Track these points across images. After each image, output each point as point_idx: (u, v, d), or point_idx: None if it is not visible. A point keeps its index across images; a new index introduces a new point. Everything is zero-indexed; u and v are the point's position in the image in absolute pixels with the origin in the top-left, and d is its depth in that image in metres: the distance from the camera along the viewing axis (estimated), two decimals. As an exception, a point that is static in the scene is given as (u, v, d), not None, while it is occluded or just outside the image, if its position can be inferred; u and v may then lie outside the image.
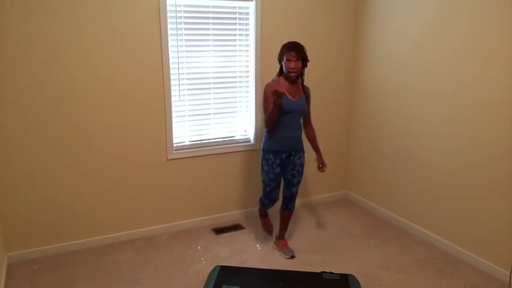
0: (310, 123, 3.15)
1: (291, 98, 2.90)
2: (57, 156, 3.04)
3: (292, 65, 2.84)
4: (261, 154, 3.08)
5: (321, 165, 3.15)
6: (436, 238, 3.34)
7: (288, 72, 2.87)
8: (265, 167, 3.05)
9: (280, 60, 2.94)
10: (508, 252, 2.80)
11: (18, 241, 3.07)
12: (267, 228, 3.46)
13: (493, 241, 2.91)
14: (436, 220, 3.33)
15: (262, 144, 3.07)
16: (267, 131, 3.02)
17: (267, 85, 2.93)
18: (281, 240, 3.27)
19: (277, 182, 3.10)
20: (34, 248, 3.12)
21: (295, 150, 3.05)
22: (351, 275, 2.84)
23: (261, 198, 3.28)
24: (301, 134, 3.09)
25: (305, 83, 3.03)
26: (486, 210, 2.93)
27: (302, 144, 3.09)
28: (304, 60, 2.91)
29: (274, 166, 3.02)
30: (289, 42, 2.91)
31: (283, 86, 2.88)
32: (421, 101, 3.34)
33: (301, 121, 3.08)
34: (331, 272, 2.87)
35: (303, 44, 2.92)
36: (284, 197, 3.20)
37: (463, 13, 2.94)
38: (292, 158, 3.05)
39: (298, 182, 3.13)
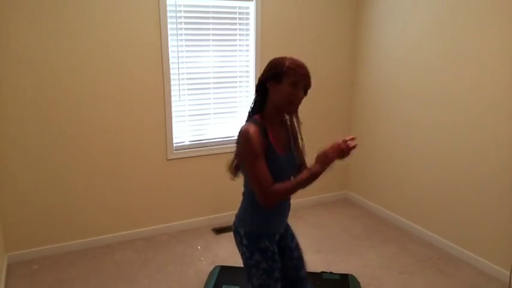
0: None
1: (279, 151, 1.75)
2: (57, 156, 3.04)
3: (301, 94, 1.70)
4: (245, 244, 1.82)
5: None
6: (436, 238, 3.33)
7: (292, 104, 1.70)
8: (263, 265, 1.80)
9: (268, 80, 1.71)
10: (508, 252, 2.80)
11: (18, 241, 3.07)
12: None
13: (493, 241, 2.91)
14: (436, 220, 3.33)
15: (243, 227, 1.82)
16: (251, 205, 1.80)
17: (247, 131, 1.65)
18: None
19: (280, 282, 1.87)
20: (34, 248, 3.12)
21: (285, 227, 1.98)
22: (350, 275, 2.84)
23: None
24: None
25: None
26: (486, 211, 2.93)
27: None
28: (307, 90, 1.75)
29: (276, 258, 1.84)
30: (294, 59, 1.71)
31: (270, 131, 1.73)
32: (421, 102, 3.34)
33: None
34: (331, 272, 2.87)
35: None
36: None
37: (463, 14, 2.94)
38: (285, 242, 1.95)
39: (306, 272, 2.01)
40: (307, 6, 3.66)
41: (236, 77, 3.58)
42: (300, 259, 1.98)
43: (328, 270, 2.92)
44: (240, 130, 1.69)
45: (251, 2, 3.43)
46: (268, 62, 1.75)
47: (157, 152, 3.37)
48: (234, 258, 3.14)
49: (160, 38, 3.16)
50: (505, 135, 2.75)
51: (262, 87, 1.75)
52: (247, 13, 3.48)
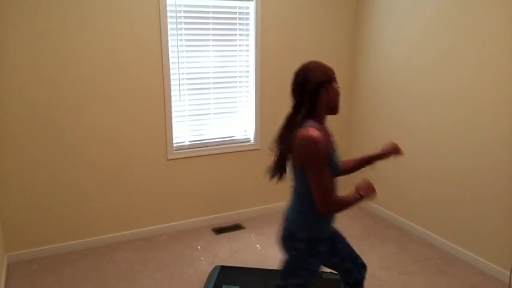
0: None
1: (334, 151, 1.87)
2: (57, 156, 3.04)
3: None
4: (302, 248, 1.83)
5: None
6: (436, 238, 3.33)
7: (337, 104, 1.83)
8: (314, 267, 1.88)
9: (326, 84, 1.77)
10: (508, 252, 2.80)
11: (18, 241, 3.07)
12: None
13: (493, 241, 2.91)
14: (436, 220, 3.33)
15: (301, 231, 1.84)
16: (311, 208, 1.77)
17: (315, 136, 1.67)
18: None
19: None
20: (34, 248, 3.12)
21: None
22: (351, 275, 2.84)
23: None
24: None
25: None
26: (486, 211, 2.93)
27: None
28: None
29: (322, 261, 1.97)
30: (322, 63, 1.83)
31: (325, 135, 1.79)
32: (421, 102, 3.34)
33: None
34: (331, 272, 2.87)
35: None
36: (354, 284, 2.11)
37: (462, 13, 2.94)
38: (331, 230, 2.01)
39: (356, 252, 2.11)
40: (307, 6, 3.66)
41: (236, 77, 3.58)
42: (345, 239, 2.08)
43: (328, 270, 2.92)
44: (305, 135, 1.70)
45: (251, 2, 3.43)
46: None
47: (157, 152, 3.37)
48: (234, 258, 3.14)
49: (160, 38, 3.16)
50: (504, 136, 2.75)
51: (315, 93, 1.77)
52: (247, 13, 3.48)
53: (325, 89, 1.76)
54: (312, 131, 1.69)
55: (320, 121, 1.79)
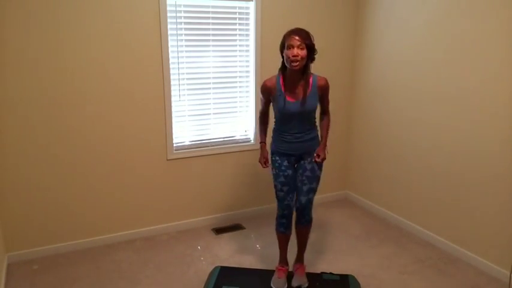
0: (326, 114, 2.69)
1: (289, 98, 2.47)
2: (57, 156, 3.05)
3: (295, 51, 2.31)
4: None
5: (316, 154, 2.61)
6: (436, 238, 3.34)
7: (290, 61, 2.34)
8: (272, 170, 2.66)
9: (281, 51, 2.42)
10: (508, 252, 2.80)
11: (18, 241, 3.07)
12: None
13: (493, 241, 2.91)
14: (436, 220, 3.33)
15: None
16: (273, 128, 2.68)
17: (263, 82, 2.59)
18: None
19: (290, 186, 2.62)
20: (34, 248, 3.12)
21: (305, 153, 2.62)
22: (350, 275, 2.84)
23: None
24: (314, 135, 2.64)
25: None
26: (486, 210, 2.93)
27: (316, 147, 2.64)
28: (310, 49, 2.40)
29: (283, 168, 2.61)
30: (292, 29, 2.40)
31: (280, 82, 2.49)
32: (422, 102, 3.34)
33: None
34: (331, 273, 2.87)
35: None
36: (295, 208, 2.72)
37: (464, 12, 2.93)
38: (302, 162, 2.64)
39: (309, 190, 2.62)
40: (308, 6, 3.66)
41: (236, 77, 3.58)
42: (308, 178, 2.63)
43: (328, 271, 2.92)
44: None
45: (251, 2, 3.43)
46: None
47: (157, 152, 3.37)
48: (234, 259, 3.15)
49: (160, 38, 3.16)
50: (505, 135, 2.75)
51: (282, 56, 2.47)
52: (247, 13, 3.48)
53: (284, 51, 2.40)
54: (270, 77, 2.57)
55: (289, 73, 2.46)
